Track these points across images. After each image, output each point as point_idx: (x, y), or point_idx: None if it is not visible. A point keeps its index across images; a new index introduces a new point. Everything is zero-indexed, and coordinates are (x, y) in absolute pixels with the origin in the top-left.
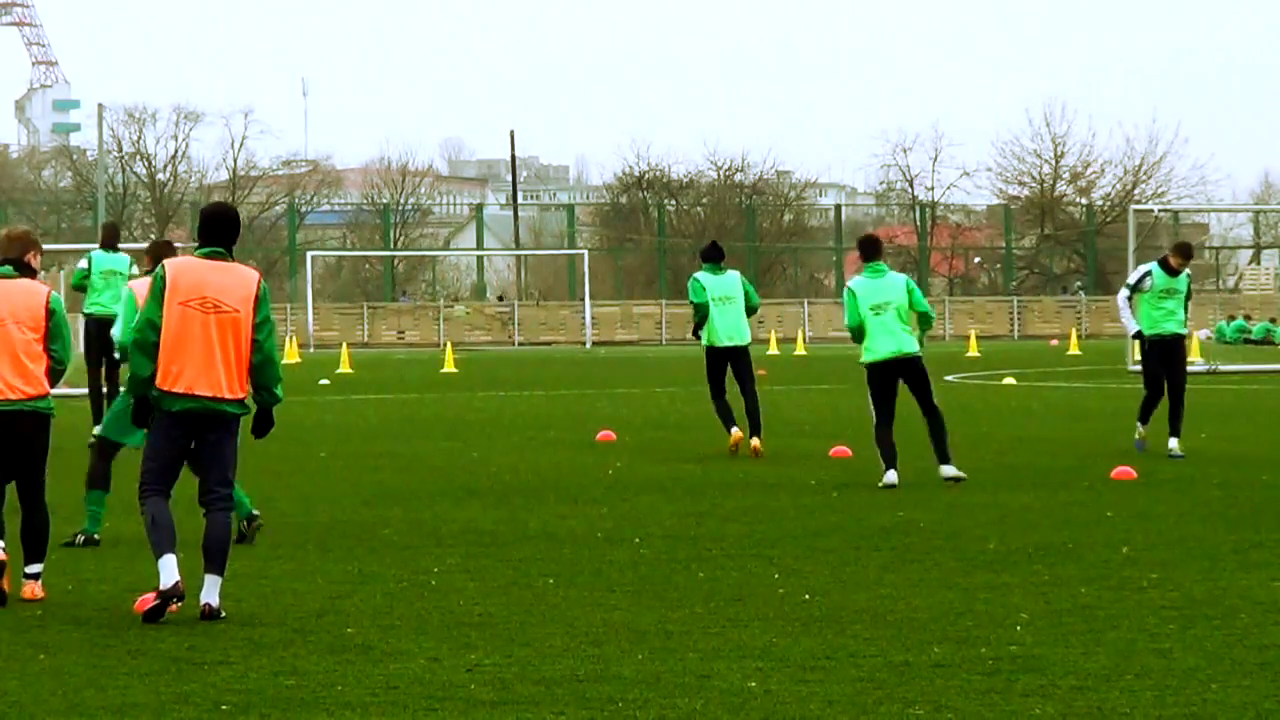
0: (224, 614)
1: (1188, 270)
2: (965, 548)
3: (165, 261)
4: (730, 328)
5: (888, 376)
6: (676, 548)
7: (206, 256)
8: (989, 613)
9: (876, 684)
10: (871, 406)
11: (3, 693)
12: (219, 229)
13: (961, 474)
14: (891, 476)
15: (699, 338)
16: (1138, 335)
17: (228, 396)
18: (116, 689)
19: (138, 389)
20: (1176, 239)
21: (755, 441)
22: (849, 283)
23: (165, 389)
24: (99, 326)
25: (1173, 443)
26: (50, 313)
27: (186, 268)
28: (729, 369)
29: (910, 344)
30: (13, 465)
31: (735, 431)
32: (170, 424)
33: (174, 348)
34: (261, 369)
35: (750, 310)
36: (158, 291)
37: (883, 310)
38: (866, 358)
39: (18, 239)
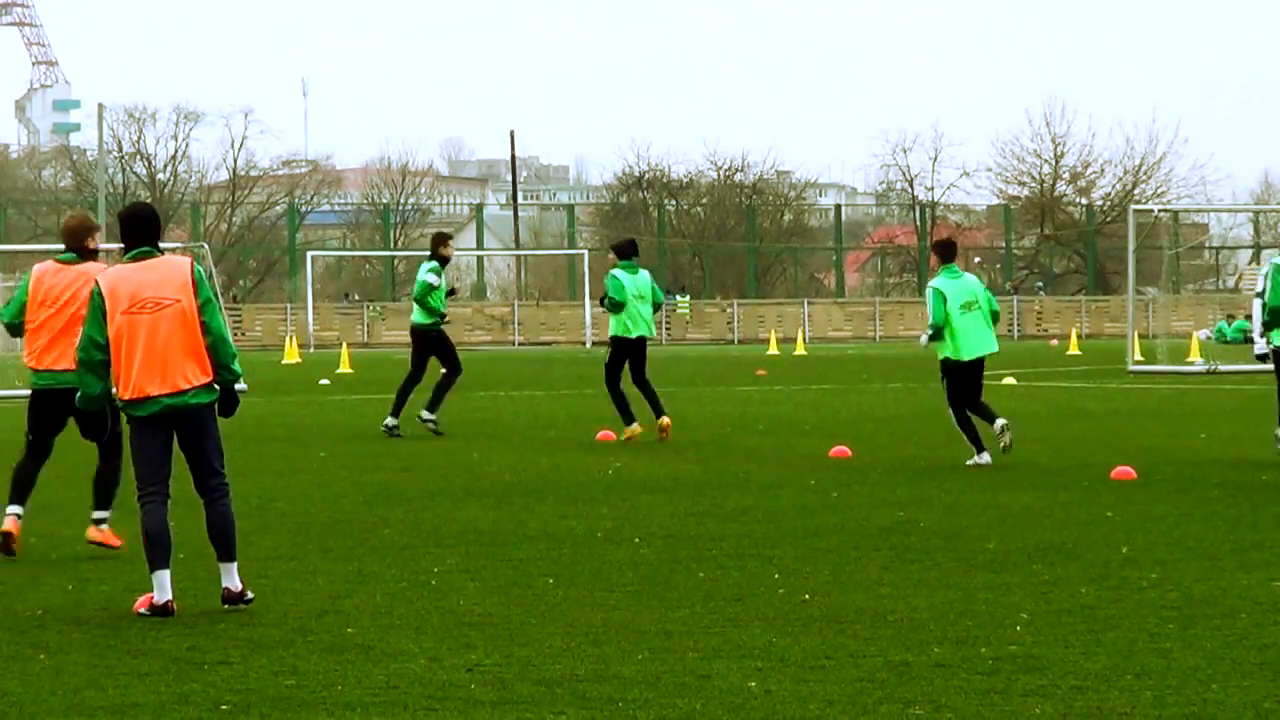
0: (251, 595)
1: None
2: (965, 548)
3: (98, 277)
4: (645, 322)
5: (972, 374)
6: (676, 548)
7: (135, 259)
8: (989, 613)
9: (876, 684)
10: (948, 400)
11: (3, 693)
12: (140, 229)
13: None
14: (985, 457)
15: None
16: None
17: (193, 386)
18: (116, 689)
19: (86, 405)
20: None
21: (665, 419)
22: (933, 283)
23: (130, 398)
24: None
25: None
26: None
27: (119, 277)
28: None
29: (994, 344)
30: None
31: (635, 426)
32: (145, 428)
33: (129, 356)
34: (215, 349)
35: (656, 307)
36: (97, 309)
37: (970, 309)
38: (953, 354)
39: (74, 228)
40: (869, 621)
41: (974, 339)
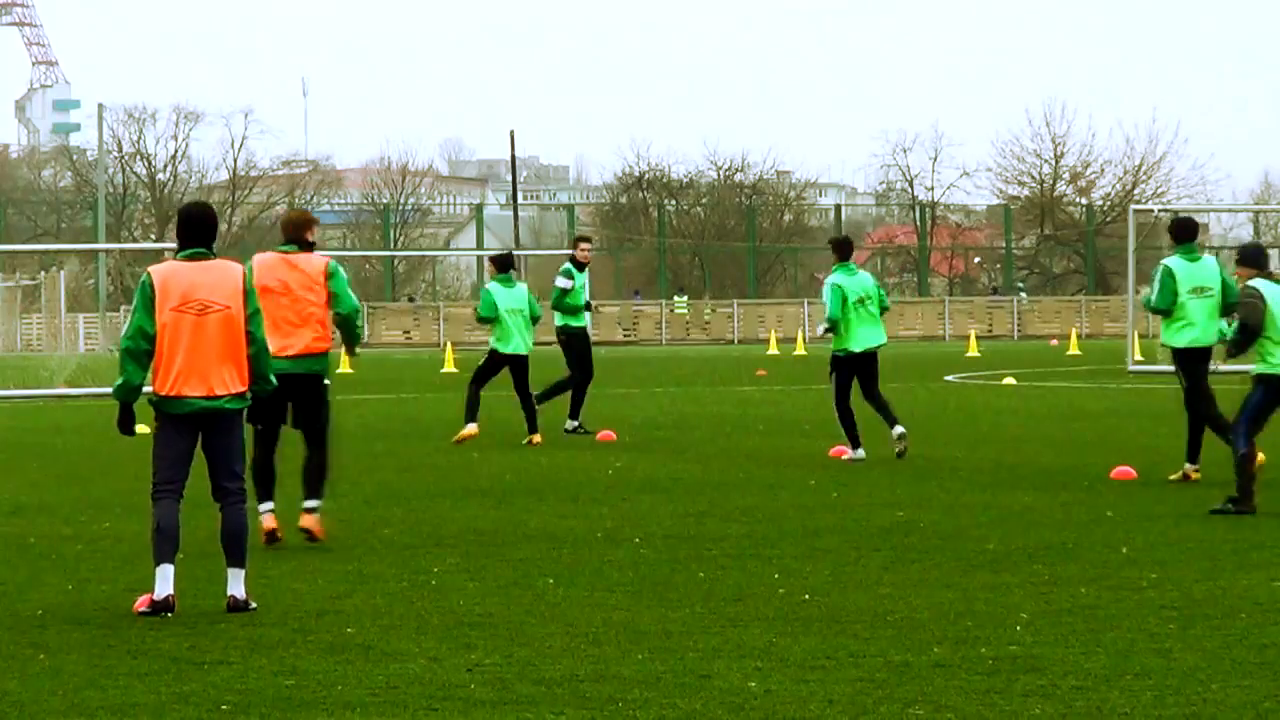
0: (254, 605)
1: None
2: (965, 548)
3: (150, 269)
4: (520, 338)
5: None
6: (676, 548)
7: (189, 258)
8: (989, 613)
9: (876, 684)
10: (836, 393)
11: (3, 693)
12: (197, 229)
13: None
14: (861, 453)
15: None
16: None
17: (228, 393)
18: (116, 689)
19: (125, 396)
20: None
21: (537, 437)
22: (831, 279)
23: (165, 394)
24: None
25: None
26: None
27: (173, 273)
28: (503, 372)
29: (883, 337)
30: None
31: (472, 428)
32: (174, 426)
33: (171, 353)
34: (257, 359)
35: (534, 320)
36: (147, 300)
37: (864, 304)
38: (847, 347)
39: (296, 221)
40: (869, 621)
41: (867, 333)
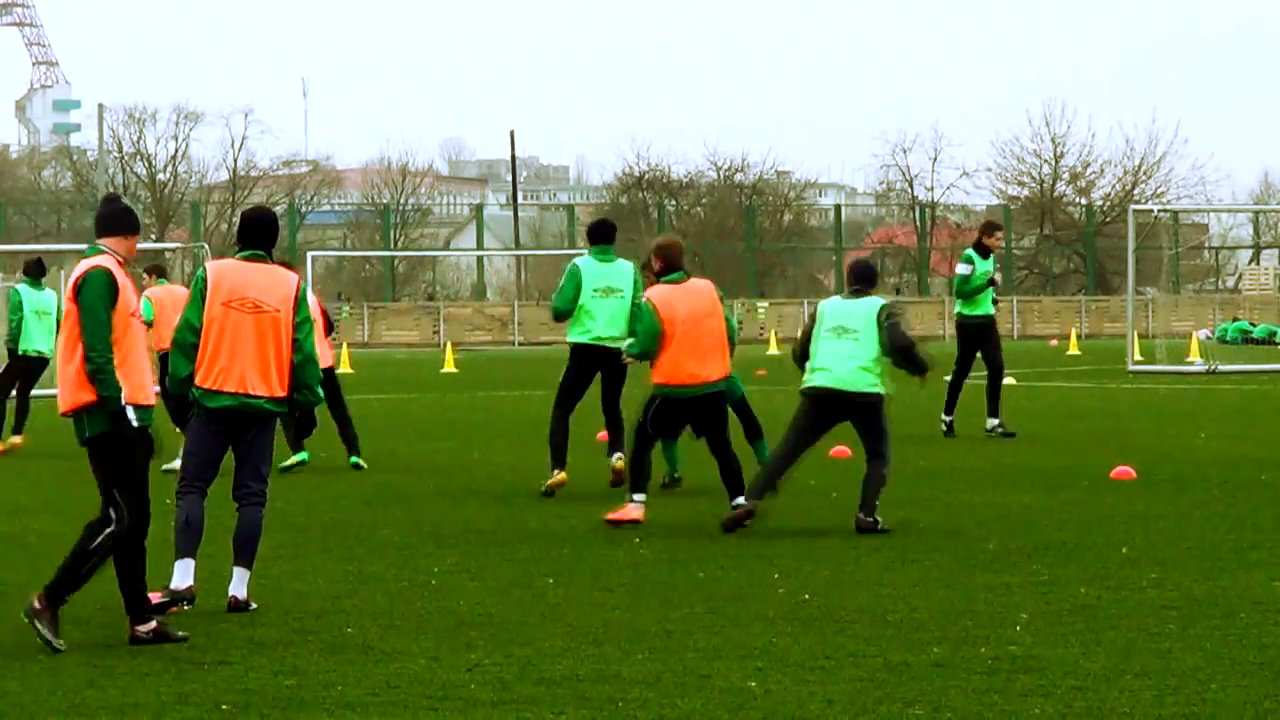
0: (254, 605)
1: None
2: (965, 548)
3: (206, 264)
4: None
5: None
6: (676, 548)
7: (247, 259)
8: (989, 613)
9: (876, 684)
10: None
11: (3, 693)
12: (258, 232)
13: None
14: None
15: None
16: None
17: (268, 394)
18: (116, 689)
19: (177, 388)
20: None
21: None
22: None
23: (206, 387)
24: None
25: None
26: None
27: (229, 269)
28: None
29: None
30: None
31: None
32: (210, 421)
33: (216, 347)
34: (302, 368)
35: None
36: (199, 294)
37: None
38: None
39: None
40: (869, 621)
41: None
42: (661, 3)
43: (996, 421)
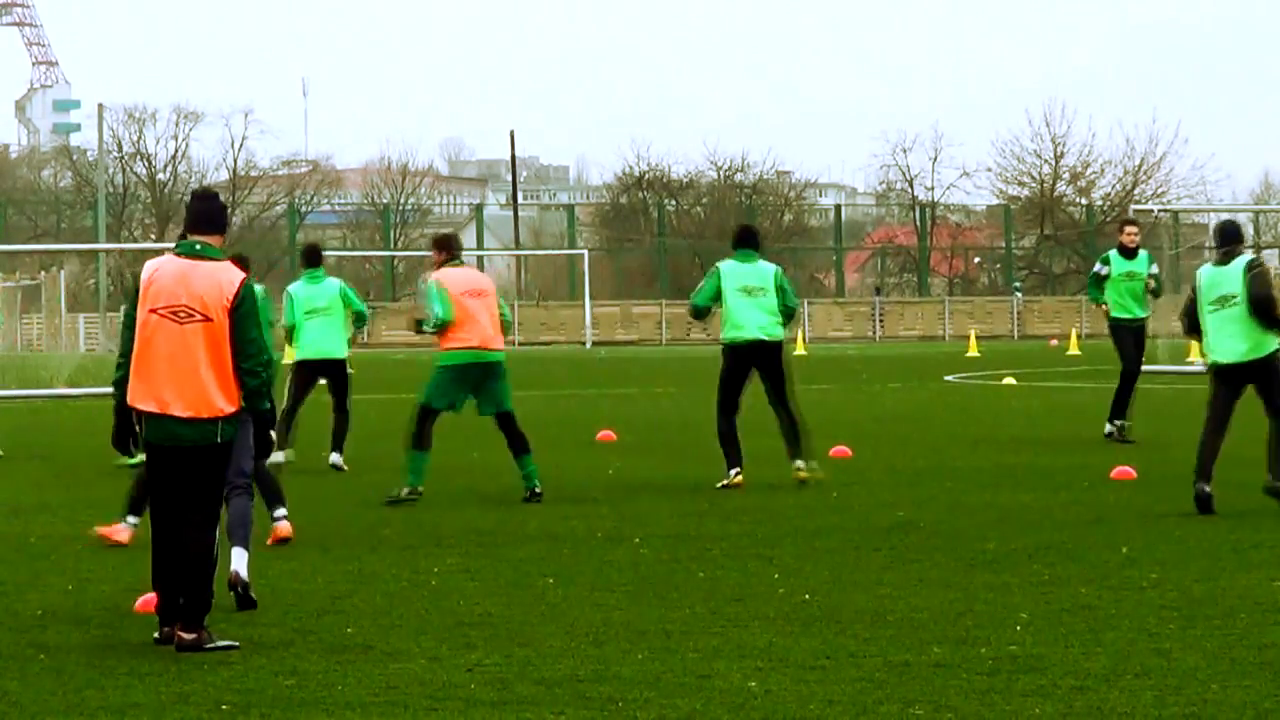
0: (254, 596)
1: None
2: (965, 548)
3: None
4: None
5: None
6: (676, 548)
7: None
8: (989, 613)
9: (876, 684)
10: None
11: (3, 693)
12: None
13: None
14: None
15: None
16: None
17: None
18: (116, 689)
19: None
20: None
21: (336, 457)
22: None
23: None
24: None
25: None
26: None
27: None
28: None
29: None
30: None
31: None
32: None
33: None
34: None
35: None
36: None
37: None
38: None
39: None
40: (869, 621)
41: (323, 342)
42: (661, 3)
43: (1120, 422)
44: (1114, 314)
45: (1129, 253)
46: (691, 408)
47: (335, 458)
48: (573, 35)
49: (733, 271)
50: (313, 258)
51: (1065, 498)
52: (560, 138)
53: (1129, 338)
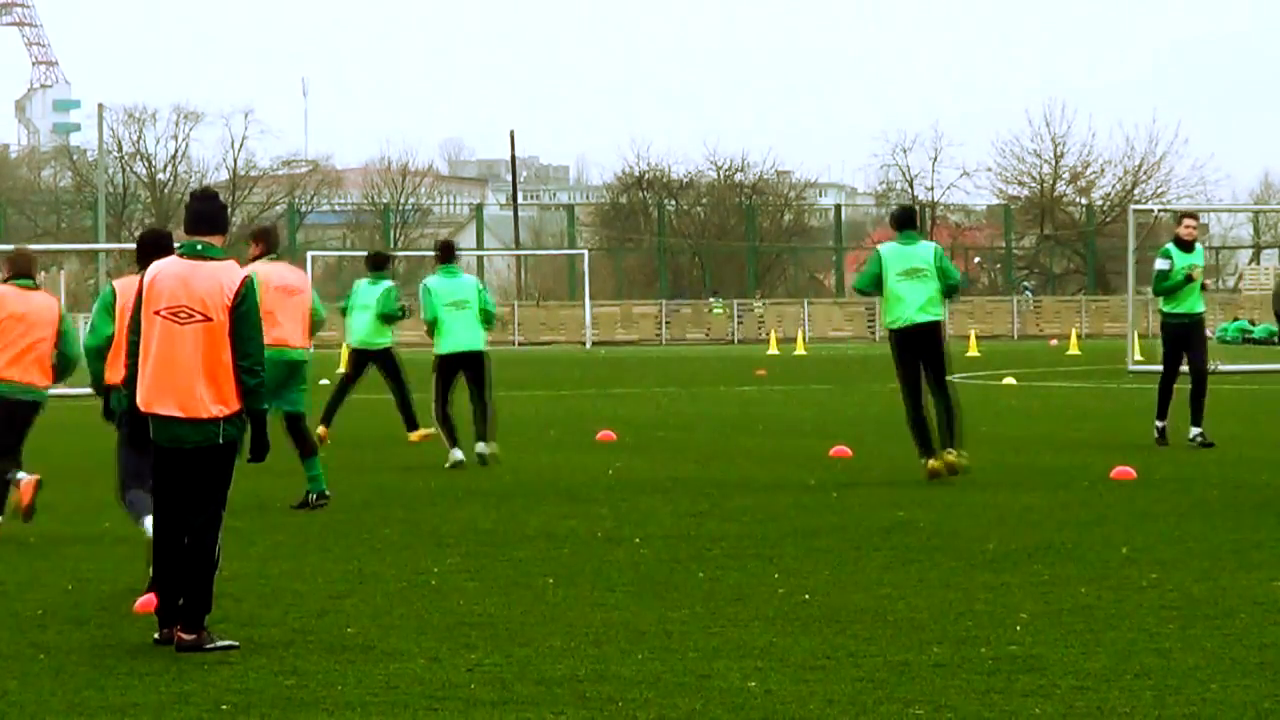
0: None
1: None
2: (965, 548)
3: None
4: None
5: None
6: (676, 548)
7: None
8: (989, 613)
9: (876, 684)
10: (436, 392)
11: (3, 693)
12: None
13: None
14: (458, 454)
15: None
16: None
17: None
18: (116, 689)
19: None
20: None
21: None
22: (426, 282)
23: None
24: None
25: None
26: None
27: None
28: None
29: (480, 342)
30: None
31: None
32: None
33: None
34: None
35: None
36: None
37: (462, 307)
38: (440, 350)
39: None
40: (869, 621)
41: (463, 335)
42: (662, 3)
43: (1198, 430)
44: (1179, 309)
45: (1187, 246)
46: (691, 407)
47: (481, 447)
48: (573, 35)
49: (893, 255)
50: (448, 253)
51: (1065, 498)
52: (560, 138)
53: (1193, 334)
